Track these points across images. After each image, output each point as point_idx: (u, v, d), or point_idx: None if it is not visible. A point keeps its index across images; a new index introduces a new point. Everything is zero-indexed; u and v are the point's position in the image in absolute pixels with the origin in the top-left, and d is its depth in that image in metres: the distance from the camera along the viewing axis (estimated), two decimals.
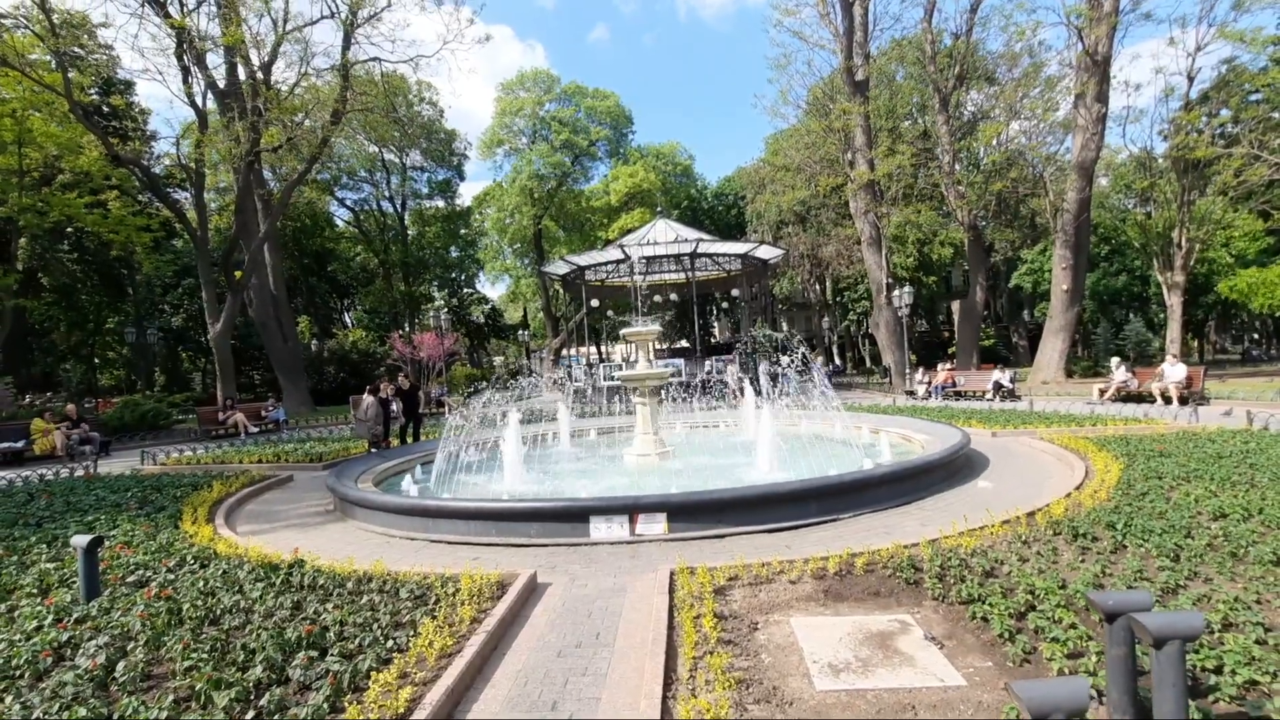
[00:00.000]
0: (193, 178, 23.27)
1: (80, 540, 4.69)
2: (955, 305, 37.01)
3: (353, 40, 21.88)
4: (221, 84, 24.03)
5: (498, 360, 56.43)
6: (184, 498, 8.58)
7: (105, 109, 32.58)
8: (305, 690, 3.23)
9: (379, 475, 10.33)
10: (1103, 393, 15.78)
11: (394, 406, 13.43)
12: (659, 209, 34.16)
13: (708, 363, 26.02)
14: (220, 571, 5.13)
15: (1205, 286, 30.31)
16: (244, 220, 26.51)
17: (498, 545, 6.31)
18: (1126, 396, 15.20)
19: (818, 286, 47.70)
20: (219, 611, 4.31)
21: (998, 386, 19.57)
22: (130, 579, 5.14)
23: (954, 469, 8.09)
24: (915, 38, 28.14)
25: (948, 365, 22.97)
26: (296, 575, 4.93)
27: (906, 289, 23.89)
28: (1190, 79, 22.23)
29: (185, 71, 21.52)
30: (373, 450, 12.51)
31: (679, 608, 4.13)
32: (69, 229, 32.26)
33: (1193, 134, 21.19)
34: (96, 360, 46.96)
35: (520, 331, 49.75)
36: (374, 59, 23.15)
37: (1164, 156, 23.84)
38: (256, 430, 19.64)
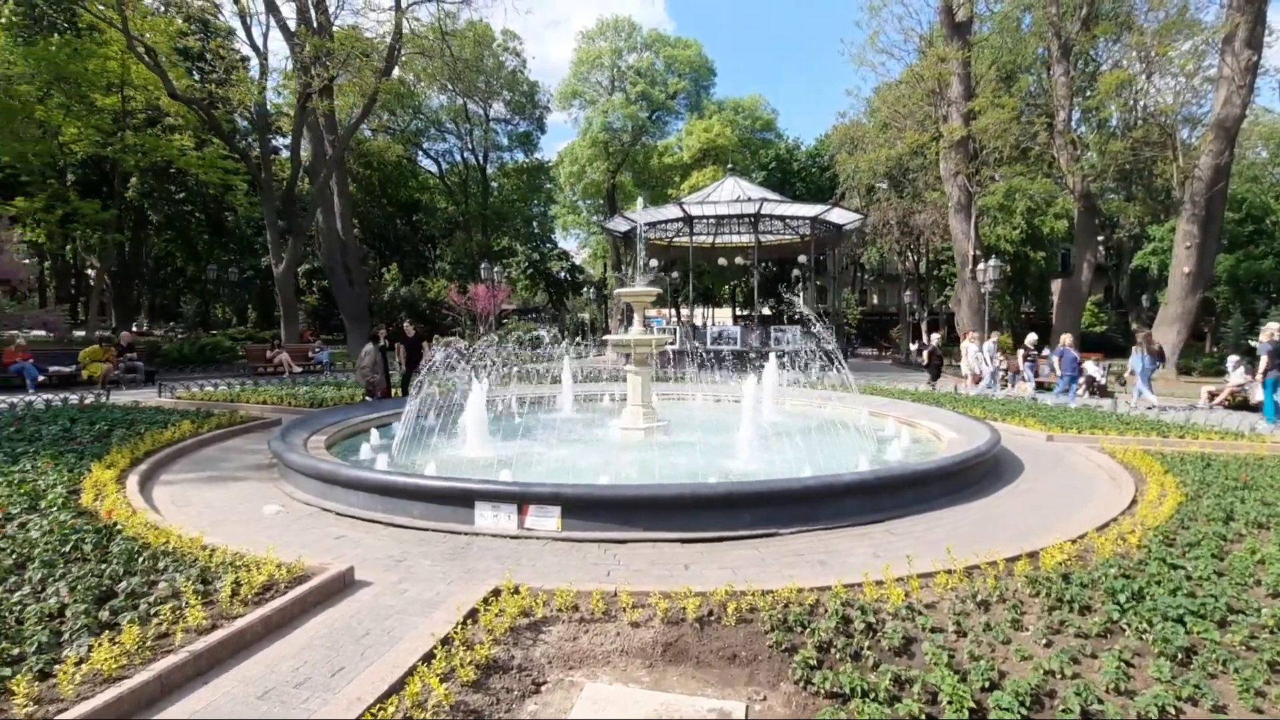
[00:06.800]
0: (254, 118, 23.73)
1: None
2: (1056, 284, 32.96)
3: None
4: (292, 26, 24.25)
5: (582, 316, 56.41)
6: (141, 435, 8.42)
7: (207, 55, 34.04)
8: None
9: (350, 429, 9.92)
10: (1213, 396, 13.10)
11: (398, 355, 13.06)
12: (730, 166, 32.14)
13: (771, 333, 24.38)
14: (31, 528, 4.63)
15: None
16: (314, 165, 27.12)
17: (379, 523, 5.56)
18: (1242, 404, 12.50)
19: (910, 257, 44.01)
20: None
21: (1089, 380, 16.94)
22: None
23: (961, 481, 6.55)
24: None
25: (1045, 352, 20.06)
26: (91, 543, 4.35)
27: (993, 262, 21.10)
28: None
29: (243, 15, 21.74)
30: (367, 399, 12.21)
31: (447, 647, 3.15)
32: (172, 169, 34.19)
33: None
34: (224, 294, 50.31)
35: (585, 289, 49.21)
36: None
37: None
38: (300, 370, 20.16)
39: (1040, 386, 17.00)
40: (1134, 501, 5.96)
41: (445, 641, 3.22)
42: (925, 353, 18.71)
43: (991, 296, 23.97)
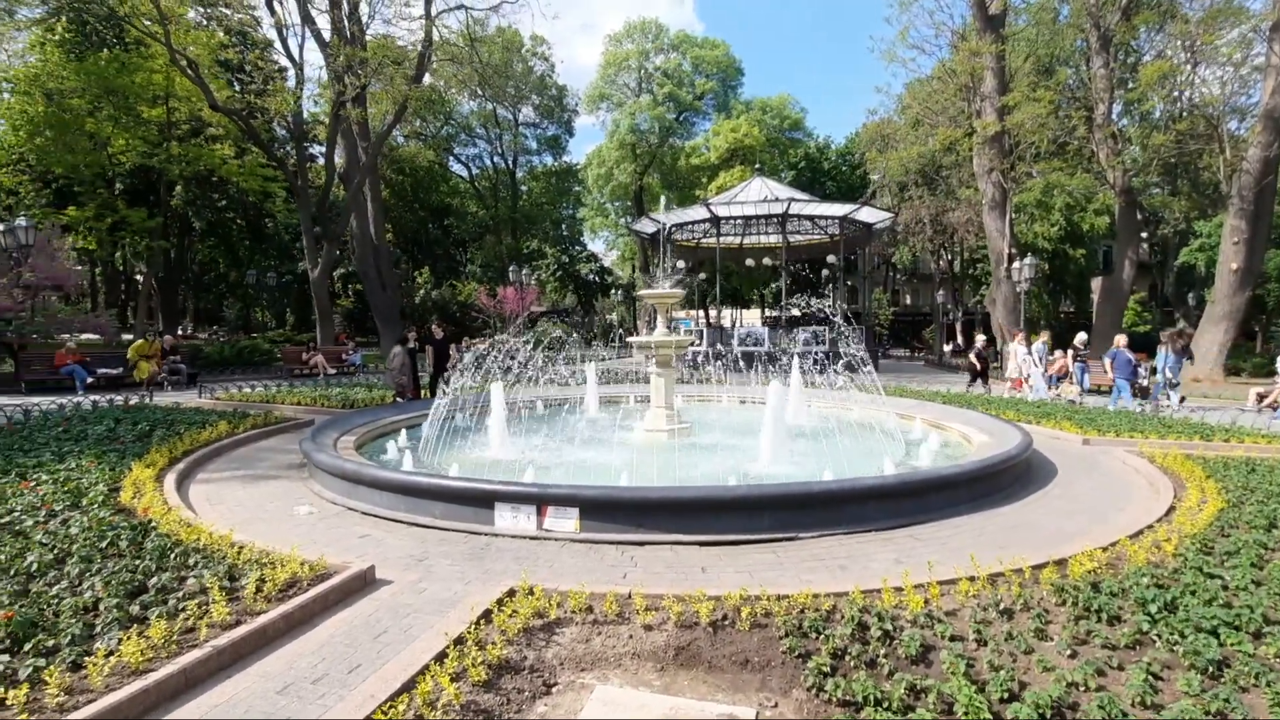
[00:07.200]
0: (291, 127, 24.39)
1: None
2: (1096, 283, 31.94)
3: None
4: (327, 36, 24.85)
5: (611, 318, 56.59)
6: (180, 435, 8.70)
7: (246, 67, 34.98)
8: None
9: (379, 429, 10.12)
10: (1261, 398, 12.58)
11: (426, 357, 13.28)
12: (758, 166, 31.92)
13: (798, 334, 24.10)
14: (72, 525, 4.83)
15: None
16: (348, 171, 27.75)
17: (403, 523, 5.66)
18: None
19: (945, 255, 43.14)
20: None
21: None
22: (3, 520, 4.99)
23: (989, 485, 6.39)
24: None
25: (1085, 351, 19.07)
26: (126, 539, 4.51)
27: (1029, 260, 20.55)
28: None
29: (280, 27, 22.38)
30: (397, 400, 12.44)
31: (460, 647, 3.19)
32: (214, 178, 35.26)
33: None
34: (264, 298, 51.52)
35: (614, 291, 49.42)
36: (459, 6, 22.90)
37: None
38: (334, 372, 20.62)
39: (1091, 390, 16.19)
40: (1172, 508, 5.74)
41: (459, 641, 3.26)
42: (972, 354, 17.91)
43: (1028, 295, 23.37)
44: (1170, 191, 31.19)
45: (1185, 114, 22.58)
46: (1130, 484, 6.99)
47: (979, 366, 17.22)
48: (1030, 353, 16.40)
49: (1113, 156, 21.60)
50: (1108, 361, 14.04)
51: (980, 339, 18.70)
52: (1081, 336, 16.77)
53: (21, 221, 17.00)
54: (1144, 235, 36.44)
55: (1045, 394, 15.30)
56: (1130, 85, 23.71)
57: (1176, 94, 22.76)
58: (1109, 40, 21.75)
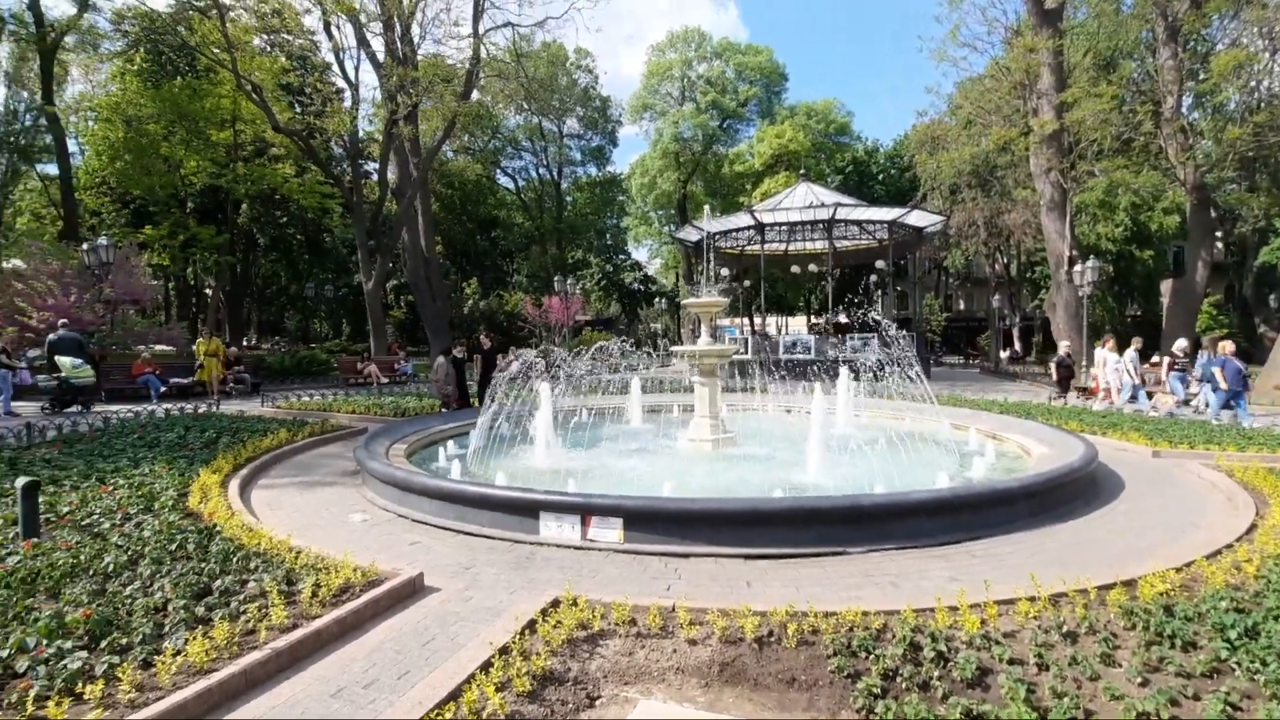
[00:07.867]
0: (347, 146, 25.34)
1: (20, 483, 4.91)
2: (1166, 285, 30.28)
3: (483, 8, 22.30)
4: (381, 58, 25.81)
5: (655, 326, 56.75)
6: (243, 442, 9.10)
7: (306, 90, 36.58)
8: None
9: (429, 438, 10.36)
10: None
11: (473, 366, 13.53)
12: (803, 171, 31.55)
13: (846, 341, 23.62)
14: (145, 528, 5.09)
15: None
16: (400, 186, 28.70)
17: (451, 531, 5.77)
18: None
19: (1001, 258, 41.66)
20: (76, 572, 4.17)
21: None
22: (85, 522, 5.32)
23: (1050, 500, 6.11)
24: None
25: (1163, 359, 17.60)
26: (193, 543, 4.73)
27: (1092, 263, 19.65)
28: None
29: (337, 50, 23.33)
30: (443, 410, 12.72)
31: (505, 657, 3.22)
32: (276, 195, 36.89)
33: None
34: (323, 310, 53.53)
35: (658, 300, 49.48)
36: (506, 24, 23.49)
37: None
38: (387, 381, 21.25)
39: (1186, 403, 14.73)
40: (1253, 526, 5.37)
41: (503, 651, 3.29)
42: (1053, 362, 17.11)
43: (1091, 299, 22.36)
44: (1247, 188, 29.42)
45: (1263, 105, 21.29)
46: (1206, 500, 6.58)
47: (1056, 376, 16.44)
48: (1121, 361, 15.43)
49: (1183, 152, 20.54)
50: (1218, 370, 12.84)
51: (1064, 345, 17.79)
52: (1181, 343, 15.54)
53: (103, 240, 18.16)
54: (1219, 234, 34.43)
55: (1143, 404, 14.40)
56: (1201, 76, 22.52)
57: (1253, 84, 21.49)
58: (1177, 30, 20.74)
